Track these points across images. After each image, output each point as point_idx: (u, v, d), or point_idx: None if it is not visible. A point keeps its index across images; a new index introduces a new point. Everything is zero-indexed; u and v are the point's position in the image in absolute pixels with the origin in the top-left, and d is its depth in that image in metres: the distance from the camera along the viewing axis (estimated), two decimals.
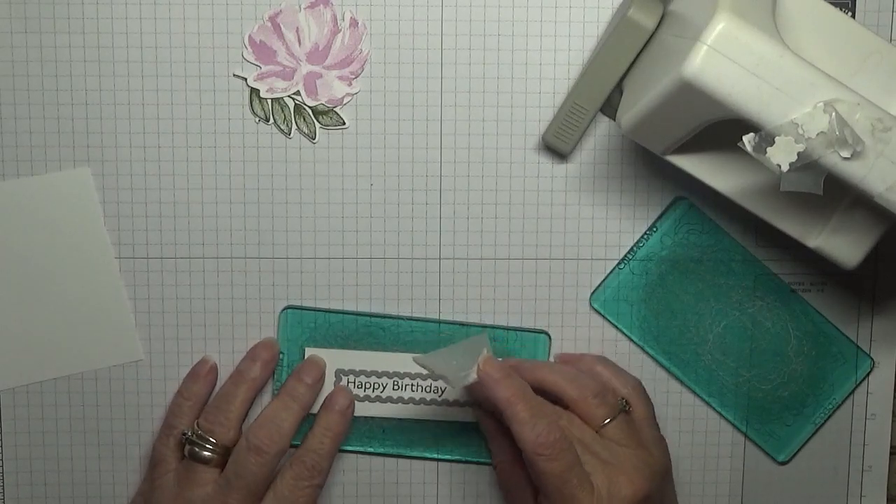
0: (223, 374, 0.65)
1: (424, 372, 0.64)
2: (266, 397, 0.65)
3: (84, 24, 0.62)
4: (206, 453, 0.61)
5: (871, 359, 0.67)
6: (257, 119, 0.63)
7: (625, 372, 0.64)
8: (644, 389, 0.63)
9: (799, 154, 0.50)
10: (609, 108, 0.63)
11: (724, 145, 0.56)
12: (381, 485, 0.66)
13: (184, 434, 0.62)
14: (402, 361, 0.65)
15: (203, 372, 0.64)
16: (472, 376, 0.58)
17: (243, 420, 0.63)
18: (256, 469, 0.60)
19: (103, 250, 0.64)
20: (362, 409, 0.65)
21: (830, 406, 0.67)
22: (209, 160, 0.63)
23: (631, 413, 0.61)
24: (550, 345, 0.65)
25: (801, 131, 0.50)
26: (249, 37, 0.62)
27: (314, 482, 0.62)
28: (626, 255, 0.65)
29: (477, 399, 0.64)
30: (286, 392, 0.63)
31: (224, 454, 0.62)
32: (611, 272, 0.65)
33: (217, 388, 0.65)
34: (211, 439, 0.61)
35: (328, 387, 0.65)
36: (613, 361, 0.65)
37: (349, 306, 0.65)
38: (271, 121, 0.63)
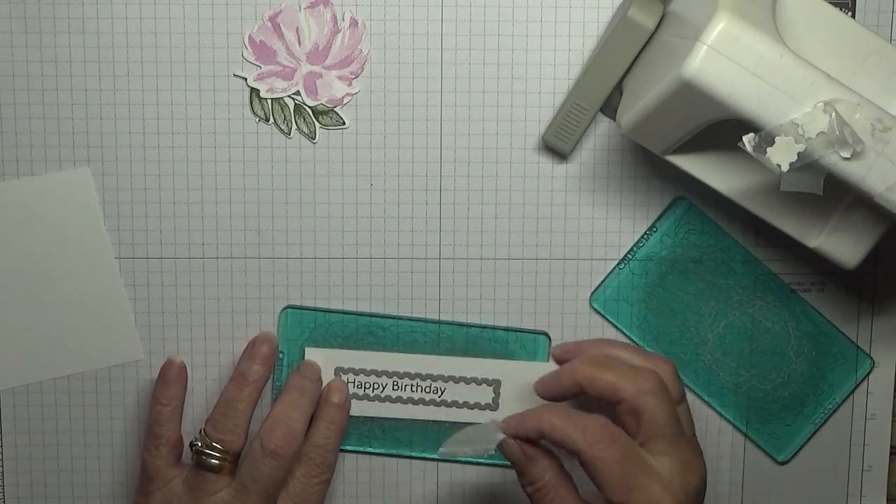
0: (224, 375, 0.65)
1: (424, 373, 0.65)
2: (266, 397, 0.65)
3: (84, 24, 0.62)
4: (216, 461, 0.61)
5: (871, 359, 0.67)
6: (257, 119, 0.63)
7: (655, 355, 0.63)
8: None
9: (799, 154, 0.50)
10: (609, 108, 0.63)
11: (724, 145, 0.56)
12: (381, 485, 0.66)
13: (192, 445, 0.61)
14: (402, 361, 0.65)
15: (174, 374, 0.63)
16: (500, 437, 0.58)
17: (249, 422, 0.63)
18: (273, 472, 0.60)
19: (103, 250, 0.64)
20: (363, 409, 0.65)
21: (830, 406, 0.67)
22: (209, 160, 0.63)
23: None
24: (550, 345, 0.65)
25: (801, 131, 0.50)
26: (249, 37, 0.62)
27: (324, 478, 0.62)
28: (626, 255, 0.65)
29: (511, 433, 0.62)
30: (293, 389, 0.62)
31: (234, 460, 0.62)
32: (611, 272, 0.65)
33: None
34: (220, 447, 0.61)
35: None
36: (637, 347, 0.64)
37: (349, 306, 0.65)
38: (271, 121, 0.63)
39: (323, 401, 0.63)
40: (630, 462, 0.56)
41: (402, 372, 0.65)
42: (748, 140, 0.51)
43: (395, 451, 0.66)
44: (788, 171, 0.51)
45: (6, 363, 0.64)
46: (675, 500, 0.56)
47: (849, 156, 0.51)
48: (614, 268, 0.65)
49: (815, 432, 0.67)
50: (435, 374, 0.65)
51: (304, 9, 0.62)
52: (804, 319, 0.66)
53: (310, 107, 0.63)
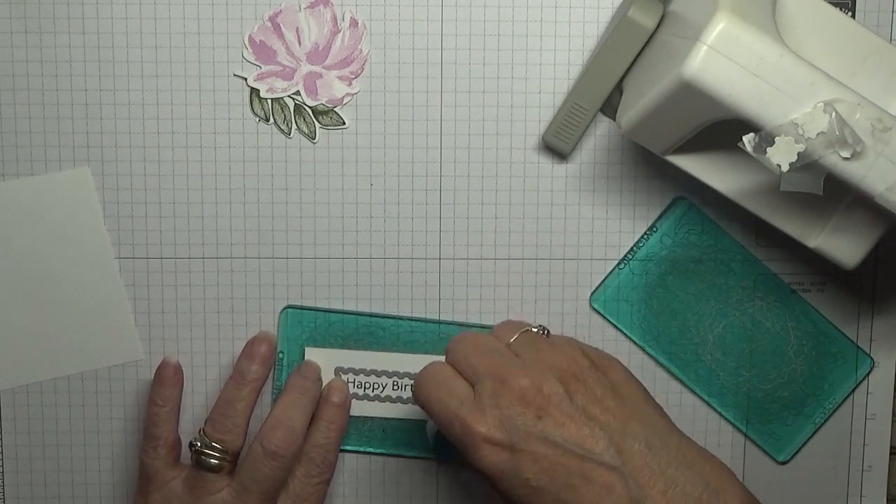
0: (223, 375, 0.65)
1: None
2: (265, 397, 0.65)
3: (84, 24, 0.62)
4: (215, 461, 0.61)
5: (871, 359, 0.67)
6: (257, 119, 0.63)
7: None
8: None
9: (799, 154, 0.50)
10: (609, 108, 0.63)
11: (724, 145, 0.56)
12: (381, 485, 0.66)
13: (191, 445, 0.62)
14: (402, 361, 0.65)
15: (170, 375, 0.63)
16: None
17: (248, 422, 0.63)
18: (274, 473, 0.60)
19: (103, 250, 0.64)
20: (363, 409, 0.65)
21: (830, 406, 0.67)
22: (209, 160, 0.63)
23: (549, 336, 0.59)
24: None
25: (801, 131, 0.50)
26: (249, 37, 0.62)
27: (324, 477, 0.62)
28: (626, 255, 0.65)
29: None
30: (293, 389, 0.63)
31: (233, 460, 0.62)
32: (611, 272, 0.65)
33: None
34: (219, 447, 0.61)
35: None
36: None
37: (349, 306, 0.65)
38: (271, 121, 0.63)
39: (323, 401, 0.63)
40: (443, 398, 0.55)
41: (402, 372, 0.65)
42: (748, 140, 0.51)
43: (395, 451, 0.66)
44: (788, 171, 0.51)
45: (6, 363, 0.64)
46: (479, 419, 0.54)
47: (849, 156, 0.51)
48: (614, 268, 0.65)
49: (815, 432, 0.67)
50: None
51: (304, 9, 0.62)
52: (804, 319, 0.66)
53: (310, 107, 0.63)
